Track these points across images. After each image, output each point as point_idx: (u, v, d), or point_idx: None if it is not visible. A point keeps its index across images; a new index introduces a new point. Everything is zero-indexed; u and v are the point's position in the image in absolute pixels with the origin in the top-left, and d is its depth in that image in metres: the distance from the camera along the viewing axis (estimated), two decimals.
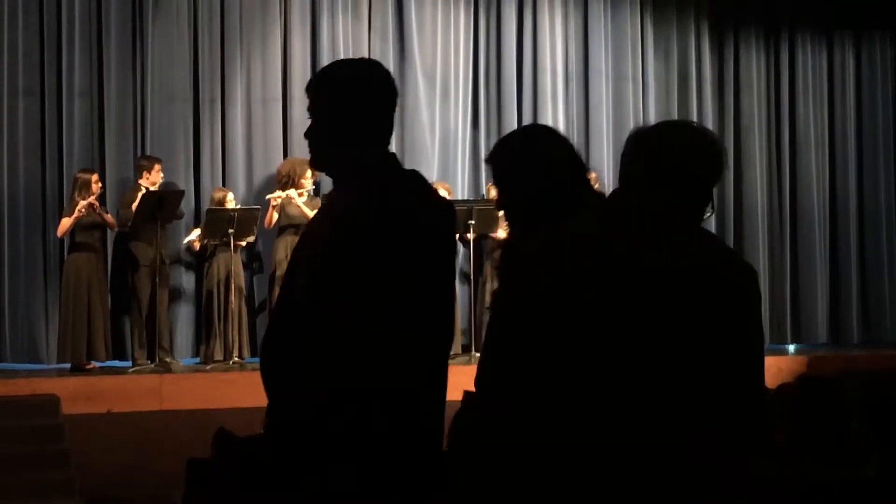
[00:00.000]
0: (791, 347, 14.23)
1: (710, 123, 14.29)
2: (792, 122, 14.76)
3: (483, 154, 13.37)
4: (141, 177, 11.46)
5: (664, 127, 2.98)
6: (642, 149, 2.88)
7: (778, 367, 11.84)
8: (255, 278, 12.33)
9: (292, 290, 3.35)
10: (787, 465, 3.53)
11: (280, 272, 11.09)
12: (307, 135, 3.39)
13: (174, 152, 12.11)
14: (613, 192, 2.97)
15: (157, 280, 11.27)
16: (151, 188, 11.33)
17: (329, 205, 3.42)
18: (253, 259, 12.36)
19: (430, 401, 3.19)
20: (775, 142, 14.68)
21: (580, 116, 13.88)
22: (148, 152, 11.92)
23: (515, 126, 13.51)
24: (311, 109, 3.38)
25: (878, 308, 14.88)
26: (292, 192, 11.60)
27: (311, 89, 3.40)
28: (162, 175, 11.53)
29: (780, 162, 14.66)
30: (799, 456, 3.55)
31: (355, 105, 3.32)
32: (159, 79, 12.21)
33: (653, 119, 14.07)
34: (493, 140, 13.41)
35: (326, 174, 3.52)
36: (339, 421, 3.10)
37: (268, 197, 11.82)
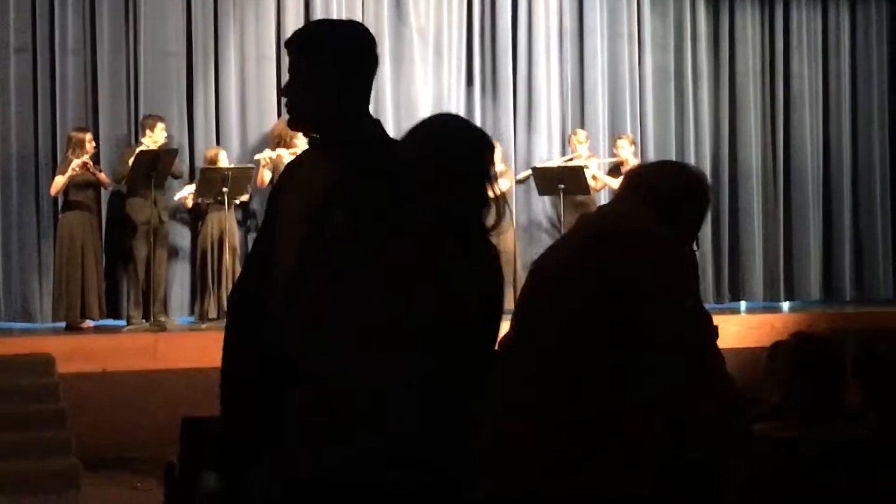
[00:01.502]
0: (785, 305, 14.26)
1: (704, 80, 14.30)
2: (786, 80, 14.73)
3: (478, 112, 13.34)
4: (144, 135, 11.42)
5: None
6: None
7: (772, 324, 11.88)
8: (249, 237, 12.30)
9: (265, 251, 3.34)
10: (782, 424, 3.54)
11: None
12: (284, 92, 3.32)
13: (168, 110, 12.05)
14: None
15: (154, 240, 11.25)
16: (153, 146, 11.29)
17: (311, 167, 3.35)
18: (247, 218, 12.33)
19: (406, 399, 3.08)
20: (770, 99, 14.65)
21: (575, 74, 13.84)
22: (141, 110, 11.88)
23: (511, 84, 13.50)
24: (292, 68, 3.33)
25: (870, 266, 14.90)
26: (283, 152, 11.56)
27: (291, 47, 3.31)
28: (165, 134, 11.48)
29: (774, 119, 14.63)
30: (793, 415, 3.56)
31: (338, 66, 3.26)
32: (152, 35, 12.15)
33: (649, 76, 14.04)
34: (489, 98, 13.52)
35: (304, 134, 3.45)
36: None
37: (256, 157, 11.80)
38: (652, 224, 3.18)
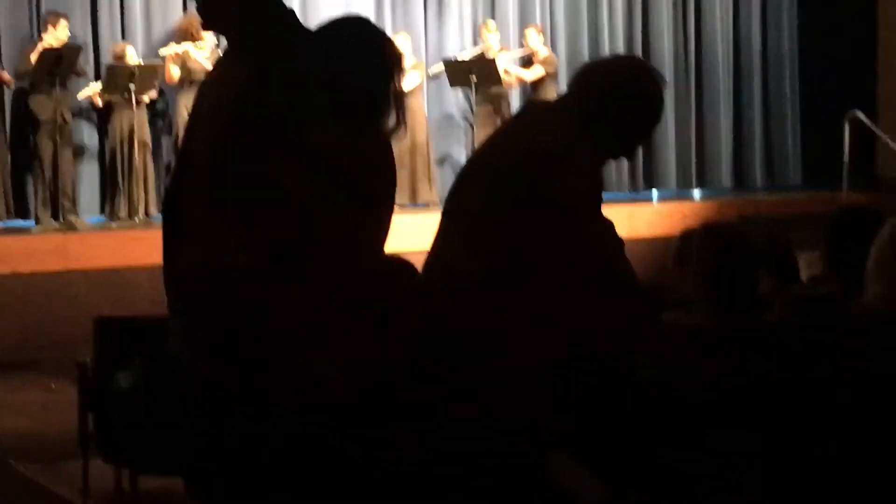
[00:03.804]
0: (696, 192, 14.39)
1: None
2: None
3: (388, 4, 13.17)
4: (46, 31, 11.14)
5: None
6: None
7: (683, 212, 11.98)
8: (161, 135, 12.13)
9: (193, 151, 3.32)
10: (692, 312, 3.58)
11: (179, 131, 10.91)
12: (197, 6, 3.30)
13: (70, 6, 11.76)
14: None
15: (59, 138, 11.05)
16: (56, 44, 11.03)
17: (229, 68, 3.33)
18: (158, 116, 12.14)
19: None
20: None
21: None
22: (44, 7, 11.59)
23: None
24: None
25: (780, 152, 15.06)
26: (188, 46, 11.37)
27: None
28: (68, 32, 11.21)
29: (685, 7, 14.63)
30: (703, 303, 3.59)
31: None
32: None
33: None
34: None
35: (222, 34, 3.41)
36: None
37: (160, 52, 11.61)
38: (568, 139, 3.20)
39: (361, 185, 3.10)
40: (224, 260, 3.11)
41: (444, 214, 3.41)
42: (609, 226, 3.22)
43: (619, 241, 3.24)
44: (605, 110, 3.29)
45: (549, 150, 3.19)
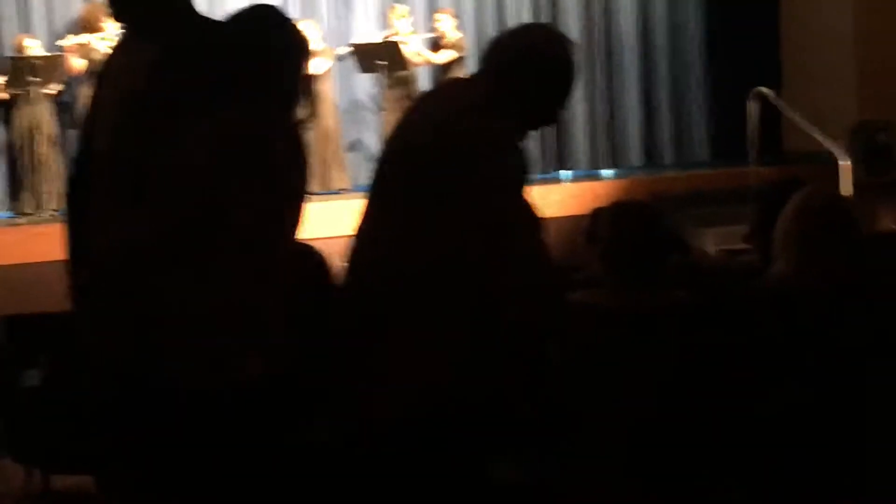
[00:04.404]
0: (606, 172, 14.45)
1: None
2: None
3: None
4: None
5: None
6: None
7: (594, 192, 12.04)
8: (67, 129, 11.95)
9: (96, 139, 3.28)
10: (601, 292, 3.59)
11: None
12: None
13: None
14: None
15: None
16: None
17: (129, 55, 3.30)
18: (64, 109, 11.96)
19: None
20: None
21: None
22: None
23: None
24: None
25: (688, 130, 15.20)
26: (91, 38, 11.22)
27: None
28: None
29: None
30: (612, 283, 3.60)
31: None
32: None
33: None
34: None
35: (127, 24, 3.39)
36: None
37: (59, 43, 11.44)
38: (486, 115, 3.19)
39: (273, 170, 3.09)
40: (133, 246, 3.08)
41: (367, 200, 3.38)
42: (527, 205, 3.20)
43: (536, 221, 3.23)
44: (520, 78, 3.26)
45: (467, 128, 3.17)
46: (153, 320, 3.06)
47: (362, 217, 3.33)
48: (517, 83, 3.26)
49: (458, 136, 3.14)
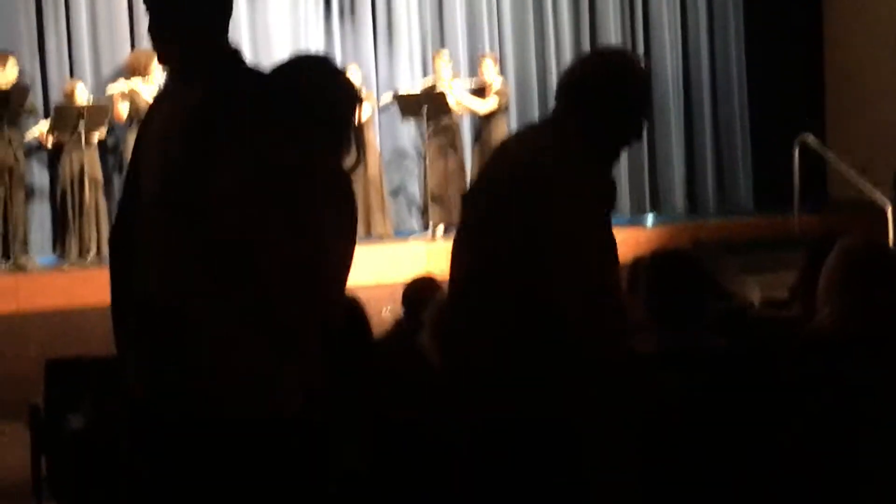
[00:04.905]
0: (649, 219, 14.42)
1: (565, 7, 14.31)
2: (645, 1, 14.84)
3: (337, 37, 13.19)
4: None
5: None
6: None
7: (637, 239, 12.02)
8: (113, 174, 12.07)
9: (137, 188, 3.30)
10: (642, 338, 3.58)
11: None
12: (149, 30, 3.30)
13: (18, 45, 11.71)
14: None
15: (10, 179, 10.98)
16: (6, 84, 10.96)
17: (173, 97, 3.33)
18: (109, 154, 12.08)
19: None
20: (629, 15, 14.73)
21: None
22: None
23: (369, 7, 13.36)
24: (149, 6, 3.29)
25: (732, 177, 15.16)
26: (136, 83, 11.33)
27: None
28: (17, 70, 11.13)
29: (634, 36, 14.74)
30: (653, 329, 3.60)
31: None
32: None
33: (507, 6, 14.02)
34: (347, 22, 13.34)
35: (173, 68, 3.42)
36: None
37: (108, 89, 11.57)
38: (569, 155, 3.20)
39: (323, 216, 3.10)
40: (179, 287, 3.09)
41: (455, 244, 3.42)
42: (608, 247, 3.20)
43: (614, 265, 3.22)
44: (604, 99, 3.27)
45: (551, 169, 3.18)
46: (196, 361, 3.07)
47: (458, 255, 3.36)
48: (603, 104, 3.27)
49: (541, 177, 3.15)
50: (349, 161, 3.26)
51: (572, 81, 3.35)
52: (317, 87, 3.24)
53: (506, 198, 3.19)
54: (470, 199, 3.45)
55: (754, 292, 4.75)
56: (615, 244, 3.16)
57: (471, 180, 3.24)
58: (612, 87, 3.29)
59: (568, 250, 3.09)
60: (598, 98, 3.27)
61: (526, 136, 3.59)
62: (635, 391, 3.28)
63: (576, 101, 3.29)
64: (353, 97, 3.33)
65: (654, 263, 3.72)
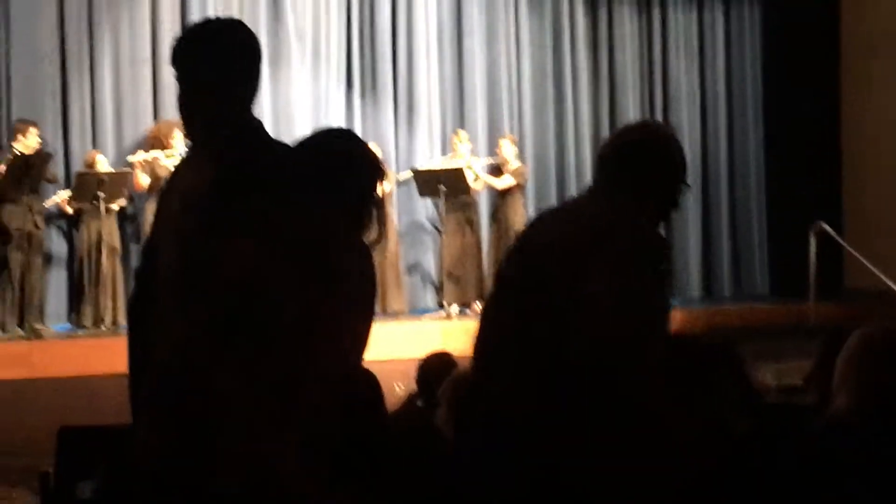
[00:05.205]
0: None
1: (584, 81, 14.42)
2: (664, 81, 14.91)
3: (358, 113, 13.30)
4: (15, 140, 11.17)
5: None
6: None
7: None
8: (130, 243, 12.12)
9: (155, 258, 3.32)
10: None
11: None
12: (178, 99, 3.35)
13: (42, 114, 11.85)
14: None
15: (29, 246, 11.04)
16: (27, 152, 11.05)
17: (193, 167, 3.35)
18: (128, 223, 12.15)
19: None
20: (648, 99, 14.82)
21: (454, 75, 13.86)
22: (14, 115, 11.65)
23: (390, 85, 13.46)
24: (177, 78, 3.34)
25: (747, 263, 15.15)
26: (158, 154, 11.42)
27: (174, 60, 3.34)
28: (38, 139, 11.24)
29: (653, 116, 14.79)
30: (672, 415, 3.58)
31: (213, 68, 3.26)
32: (23, 37, 11.93)
33: (527, 77, 14.13)
34: (368, 99, 13.46)
35: (194, 140, 3.45)
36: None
37: (129, 159, 11.66)
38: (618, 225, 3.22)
39: (343, 289, 3.10)
40: (195, 358, 3.10)
41: (485, 316, 3.43)
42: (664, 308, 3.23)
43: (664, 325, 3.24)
44: (651, 164, 3.32)
45: (608, 233, 3.20)
46: (210, 430, 3.07)
47: (489, 325, 3.37)
48: (652, 172, 3.32)
49: (612, 241, 3.17)
50: (371, 235, 3.26)
51: (618, 151, 3.39)
52: (341, 158, 3.25)
53: (553, 266, 3.20)
54: (506, 272, 3.45)
55: (769, 379, 4.74)
56: (669, 307, 3.22)
57: (505, 253, 3.26)
58: (658, 153, 3.37)
59: (628, 312, 3.10)
60: (646, 164, 3.34)
61: (566, 208, 3.63)
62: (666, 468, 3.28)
63: (623, 169, 3.33)
64: (376, 169, 3.35)
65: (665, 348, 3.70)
